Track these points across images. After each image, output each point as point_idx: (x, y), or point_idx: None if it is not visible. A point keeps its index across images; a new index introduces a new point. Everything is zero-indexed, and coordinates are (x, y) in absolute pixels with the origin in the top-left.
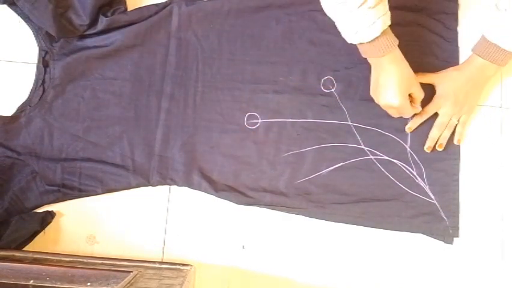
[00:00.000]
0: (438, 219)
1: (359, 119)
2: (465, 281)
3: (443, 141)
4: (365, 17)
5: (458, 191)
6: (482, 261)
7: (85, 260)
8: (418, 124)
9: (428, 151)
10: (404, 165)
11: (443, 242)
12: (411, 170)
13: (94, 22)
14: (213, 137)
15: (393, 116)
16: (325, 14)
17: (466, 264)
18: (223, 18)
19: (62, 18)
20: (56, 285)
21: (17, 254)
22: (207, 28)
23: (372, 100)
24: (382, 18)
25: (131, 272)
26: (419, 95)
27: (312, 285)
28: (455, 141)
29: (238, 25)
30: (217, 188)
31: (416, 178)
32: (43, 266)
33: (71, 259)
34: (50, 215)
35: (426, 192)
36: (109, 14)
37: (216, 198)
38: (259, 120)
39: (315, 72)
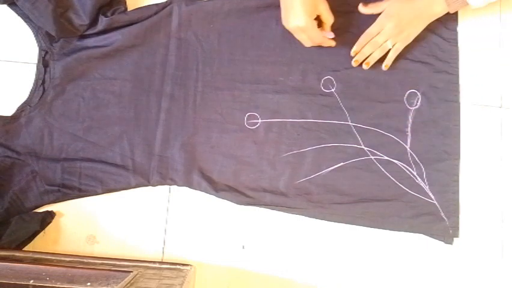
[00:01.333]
0: (438, 219)
1: (359, 119)
2: (465, 281)
3: (372, 60)
4: None
5: (458, 191)
6: (482, 261)
7: (85, 260)
8: (363, 45)
9: (355, 65)
10: (404, 165)
11: (443, 242)
12: (411, 170)
13: (94, 22)
14: (213, 137)
15: (305, 44)
16: None
17: (466, 264)
18: (223, 18)
19: (62, 18)
20: (56, 285)
21: (17, 254)
22: (207, 28)
23: (372, 100)
24: None
25: (131, 272)
26: (328, 17)
27: (312, 285)
28: (383, 67)
29: (238, 25)
30: (217, 188)
31: (416, 178)
32: (43, 266)
33: (71, 259)
34: (50, 215)
35: (426, 193)
36: (109, 14)
37: (216, 198)
38: (259, 120)
39: (315, 72)
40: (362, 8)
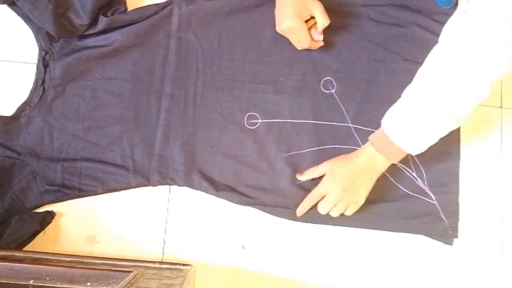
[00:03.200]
0: (438, 220)
1: (359, 120)
2: (465, 281)
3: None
4: None
5: (458, 191)
6: (482, 262)
7: (85, 260)
8: (307, 208)
9: (298, 215)
10: (404, 166)
11: (442, 243)
12: (411, 172)
13: (94, 22)
14: (213, 137)
15: (295, 45)
16: None
17: (466, 265)
18: (223, 18)
19: (62, 18)
20: (56, 285)
21: (17, 254)
22: (207, 28)
23: (372, 101)
24: None
25: (131, 272)
26: (321, 19)
27: (312, 285)
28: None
29: (238, 25)
30: (218, 188)
31: (416, 179)
32: (43, 266)
33: (71, 259)
34: (50, 215)
35: (426, 193)
36: (109, 14)
37: (216, 198)
38: (259, 120)
39: (315, 72)
40: (299, 177)
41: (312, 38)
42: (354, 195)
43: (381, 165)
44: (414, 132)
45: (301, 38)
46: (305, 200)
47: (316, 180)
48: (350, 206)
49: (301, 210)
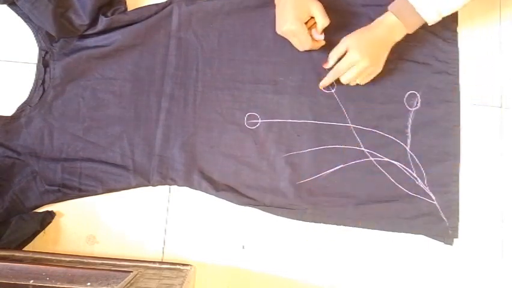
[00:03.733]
0: (438, 220)
1: (359, 120)
2: (465, 281)
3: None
4: None
5: (458, 191)
6: (482, 262)
7: (85, 260)
8: (332, 81)
9: (320, 87)
10: (404, 167)
11: (442, 243)
12: (411, 172)
13: (94, 22)
14: (213, 137)
15: (296, 47)
16: None
17: (466, 265)
18: (223, 18)
19: (62, 18)
20: (56, 285)
21: (17, 254)
22: (207, 28)
23: (372, 102)
24: None
25: (131, 272)
26: (320, 19)
27: (311, 285)
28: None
29: (238, 25)
30: (218, 188)
31: (416, 179)
32: (43, 266)
33: (71, 259)
34: (50, 215)
35: (427, 193)
36: (109, 14)
37: (216, 198)
38: (259, 120)
39: (315, 72)
40: (326, 65)
41: (313, 39)
42: (375, 63)
43: (399, 35)
44: None
45: (303, 40)
46: (330, 73)
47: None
48: (368, 77)
49: (325, 82)
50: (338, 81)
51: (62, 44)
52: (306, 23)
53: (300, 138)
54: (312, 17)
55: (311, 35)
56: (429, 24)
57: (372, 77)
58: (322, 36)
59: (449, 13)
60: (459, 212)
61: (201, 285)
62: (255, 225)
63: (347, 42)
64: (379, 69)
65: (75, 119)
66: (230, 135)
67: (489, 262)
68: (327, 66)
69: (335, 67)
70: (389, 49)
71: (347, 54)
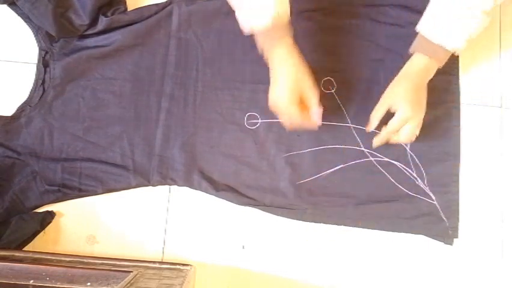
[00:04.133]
0: (438, 220)
1: (359, 120)
2: (465, 281)
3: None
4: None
5: (458, 191)
6: (482, 262)
7: (85, 260)
8: (384, 141)
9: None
10: (404, 167)
11: (442, 243)
12: (411, 172)
13: (94, 22)
14: (213, 137)
15: (285, 122)
16: (325, 15)
17: (466, 265)
18: (223, 18)
19: (62, 18)
20: (56, 285)
21: (17, 254)
22: (207, 28)
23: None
24: (275, 4)
25: (131, 272)
26: (311, 100)
27: (311, 285)
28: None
29: (238, 25)
30: (218, 188)
31: (416, 180)
32: (43, 266)
33: (71, 259)
34: (50, 215)
35: (427, 193)
36: (109, 14)
37: (216, 198)
38: (259, 120)
39: (315, 73)
40: (368, 128)
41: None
42: (424, 108)
43: (432, 70)
44: (452, 27)
45: (292, 118)
46: (383, 134)
47: None
48: (417, 119)
49: (378, 142)
50: (337, 81)
51: (62, 44)
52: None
53: (300, 138)
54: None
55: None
56: (456, 54)
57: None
58: (319, 123)
59: (476, 34)
60: (459, 212)
61: (201, 285)
62: (255, 225)
63: (388, 102)
64: (424, 112)
65: (75, 119)
66: (230, 135)
67: (489, 262)
68: (369, 129)
69: (386, 129)
70: (426, 86)
71: (398, 113)
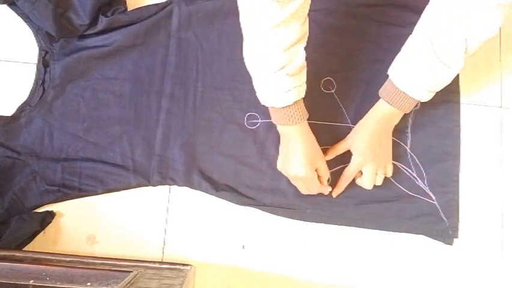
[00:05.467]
0: (438, 220)
1: (359, 120)
2: (465, 281)
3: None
4: (281, 82)
5: (458, 191)
6: (482, 262)
7: (85, 260)
8: (343, 189)
9: (334, 196)
10: (404, 166)
11: (442, 243)
12: (411, 172)
13: (94, 22)
14: (213, 137)
15: (302, 191)
16: (325, 15)
17: (466, 265)
18: (223, 18)
19: (62, 18)
20: (56, 285)
21: (17, 254)
22: (207, 28)
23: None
24: (297, 88)
25: (131, 272)
26: (325, 172)
27: (311, 285)
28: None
29: (238, 25)
30: (218, 188)
31: (416, 179)
32: (43, 266)
33: (71, 259)
34: (50, 215)
35: (427, 193)
36: (109, 14)
37: (216, 198)
38: (259, 120)
39: (315, 73)
40: (327, 157)
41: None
42: (386, 155)
43: (397, 119)
44: (420, 77)
45: (311, 186)
46: (341, 181)
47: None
48: (388, 167)
49: (337, 191)
50: (337, 81)
51: (62, 44)
52: None
53: None
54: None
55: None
56: (422, 102)
57: (391, 166)
58: (330, 188)
59: (442, 87)
60: (459, 212)
61: (201, 285)
62: (255, 225)
63: (347, 144)
64: (390, 157)
65: (75, 119)
66: (230, 135)
67: (489, 262)
68: (327, 158)
69: (344, 173)
70: (390, 135)
71: (352, 158)
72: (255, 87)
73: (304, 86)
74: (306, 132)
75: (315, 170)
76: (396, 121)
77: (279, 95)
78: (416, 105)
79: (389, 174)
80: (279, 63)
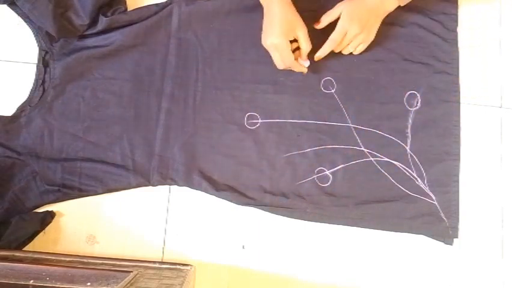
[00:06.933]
0: (438, 220)
1: (359, 120)
2: (465, 282)
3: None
4: None
5: (458, 191)
6: (482, 262)
7: (85, 260)
8: (327, 52)
9: (316, 60)
10: (404, 167)
11: (442, 243)
12: (411, 172)
13: (94, 22)
14: (213, 137)
15: (277, 64)
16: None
17: (466, 265)
18: (223, 18)
19: (62, 18)
20: (56, 285)
21: (17, 254)
22: (207, 28)
23: (372, 102)
24: None
25: (131, 272)
26: (304, 44)
27: (311, 285)
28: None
29: (238, 25)
30: (218, 188)
31: (416, 180)
32: (43, 266)
33: (71, 259)
34: (50, 215)
35: (427, 193)
36: (109, 14)
37: (216, 198)
38: (259, 120)
39: (315, 72)
40: (318, 25)
41: (296, 59)
42: (367, 33)
43: (391, 5)
44: None
45: (284, 56)
46: (325, 44)
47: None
48: (361, 45)
49: (321, 54)
50: (337, 81)
51: (62, 44)
52: (291, 42)
53: (300, 138)
54: (295, 40)
55: (296, 58)
56: None
57: (365, 46)
58: (308, 63)
59: None
60: (459, 212)
61: (201, 285)
62: (255, 225)
63: (340, 9)
64: (371, 37)
65: (75, 119)
66: (230, 135)
67: (489, 262)
68: (318, 26)
69: (330, 37)
70: (381, 19)
71: (338, 22)
72: None
73: None
74: (285, 2)
75: (296, 41)
76: (390, 7)
77: None
78: (416, 105)
79: (359, 50)
80: None
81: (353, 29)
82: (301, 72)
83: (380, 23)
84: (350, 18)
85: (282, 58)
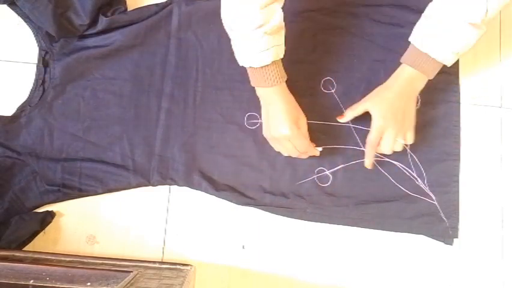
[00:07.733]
0: (438, 220)
1: (359, 120)
2: (465, 282)
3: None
4: (259, 41)
5: (458, 191)
6: (482, 262)
7: (85, 260)
8: (372, 156)
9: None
10: (404, 167)
11: (442, 243)
12: (411, 172)
13: (94, 22)
14: (213, 137)
15: (288, 153)
16: (325, 15)
17: (466, 265)
18: None
19: (62, 18)
20: (56, 285)
21: (17, 254)
22: (207, 28)
23: None
24: (276, 48)
25: (131, 272)
26: (306, 132)
27: (311, 285)
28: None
29: None
30: (218, 187)
31: (416, 180)
32: (43, 266)
33: (71, 259)
34: (50, 215)
35: (427, 193)
36: (109, 14)
37: (216, 198)
38: (259, 120)
39: (315, 73)
40: (342, 118)
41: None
42: (408, 121)
43: (421, 83)
44: (441, 37)
45: (299, 144)
46: (366, 150)
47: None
48: (408, 134)
49: (368, 162)
50: (337, 81)
51: (62, 44)
52: None
53: None
54: None
55: None
56: (448, 66)
57: (413, 134)
58: (320, 148)
59: (465, 50)
60: (459, 212)
61: (201, 285)
62: (255, 225)
63: (367, 105)
64: (412, 124)
65: (75, 119)
66: (230, 135)
67: (489, 262)
68: (342, 120)
69: (367, 141)
70: (414, 100)
71: (372, 123)
72: (234, 49)
73: (283, 48)
74: (285, 93)
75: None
76: (420, 86)
77: (257, 54)
78: (416, 105)
79: (410, 141)
80: (256, 22)
81: (390, 127)
82: (301, 73)
83: (414, 103)
84: (381, 118)
85: (296, 146)
